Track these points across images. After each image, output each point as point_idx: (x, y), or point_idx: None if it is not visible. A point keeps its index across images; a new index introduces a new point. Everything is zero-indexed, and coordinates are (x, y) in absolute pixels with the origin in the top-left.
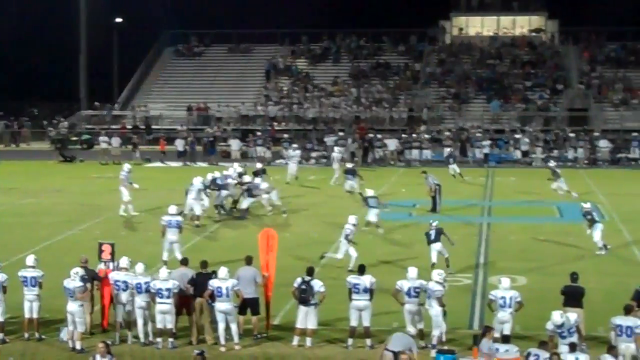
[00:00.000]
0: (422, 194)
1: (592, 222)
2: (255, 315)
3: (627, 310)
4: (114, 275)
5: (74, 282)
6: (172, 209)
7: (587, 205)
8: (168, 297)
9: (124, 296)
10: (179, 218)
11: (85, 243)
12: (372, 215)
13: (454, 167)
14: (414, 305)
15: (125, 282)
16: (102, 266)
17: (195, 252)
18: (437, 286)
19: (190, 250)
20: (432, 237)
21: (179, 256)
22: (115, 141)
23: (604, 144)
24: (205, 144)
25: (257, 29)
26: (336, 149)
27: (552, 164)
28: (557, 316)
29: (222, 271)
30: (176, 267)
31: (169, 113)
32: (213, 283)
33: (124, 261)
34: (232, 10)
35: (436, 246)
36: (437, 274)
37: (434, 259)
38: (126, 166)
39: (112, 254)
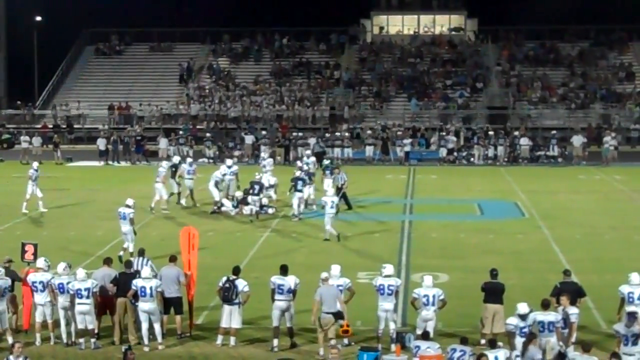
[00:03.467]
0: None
1: (294, 189)
2: (178, 315)
3: (545, 306)
4: (31, 277)
5: (4, 280)
6: (129, 201)
7: (298, 174)
8: (87, 297)
9: (41, 297)
10: (129, 210)
11: (7, 243)
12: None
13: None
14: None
15: (42, 282)
16: (27, 267)
17: (118, 250)
18: (398, 281)
19: (114, 249)
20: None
21: (131, 247)
22: (37, 141)
23: (524, 142)
24: (126, 143)
25: (178, 28)
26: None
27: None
28: (523, 307)
29: (145, 271)
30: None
31: (91, 112)
32: (137, 283)
33: (40, 262)
34: (152, 9)
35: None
36: (390, 268)
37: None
38: (35, 164)
39: (35, 254)
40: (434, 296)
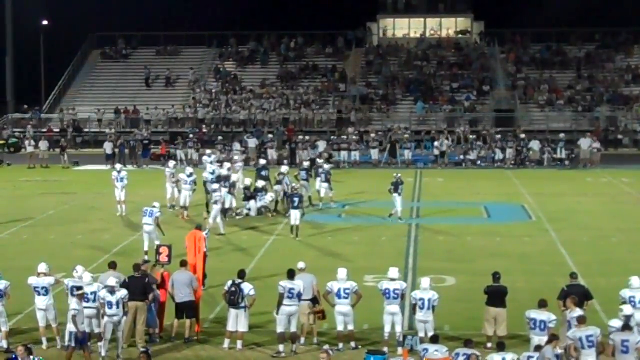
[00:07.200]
0: (351, 195)
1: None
2: (189, 319)
3: (541, 305)
4: (32, 281)
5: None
6: (155, 204)
7: (397, 175)
8: (94, 300)
9: (42, 301)
10: (156, 210)
11: (13, 247)
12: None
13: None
14: (345, 306)
15: (45, 287)
16: (158, 269)
17: (124, 255)
18: (403, 284)
19: (121, 252)
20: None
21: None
22: (43, 145)
23: (534, 145)
24: (132, 147)
25: (185, 32)
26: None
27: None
28: (628, 309)
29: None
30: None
31: (98, 116)
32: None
33: (42, 267)
34: (159, 13)
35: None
36: (395, 271)
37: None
38: (171, 163)
39: (170, 255)
40: (429, 300)
